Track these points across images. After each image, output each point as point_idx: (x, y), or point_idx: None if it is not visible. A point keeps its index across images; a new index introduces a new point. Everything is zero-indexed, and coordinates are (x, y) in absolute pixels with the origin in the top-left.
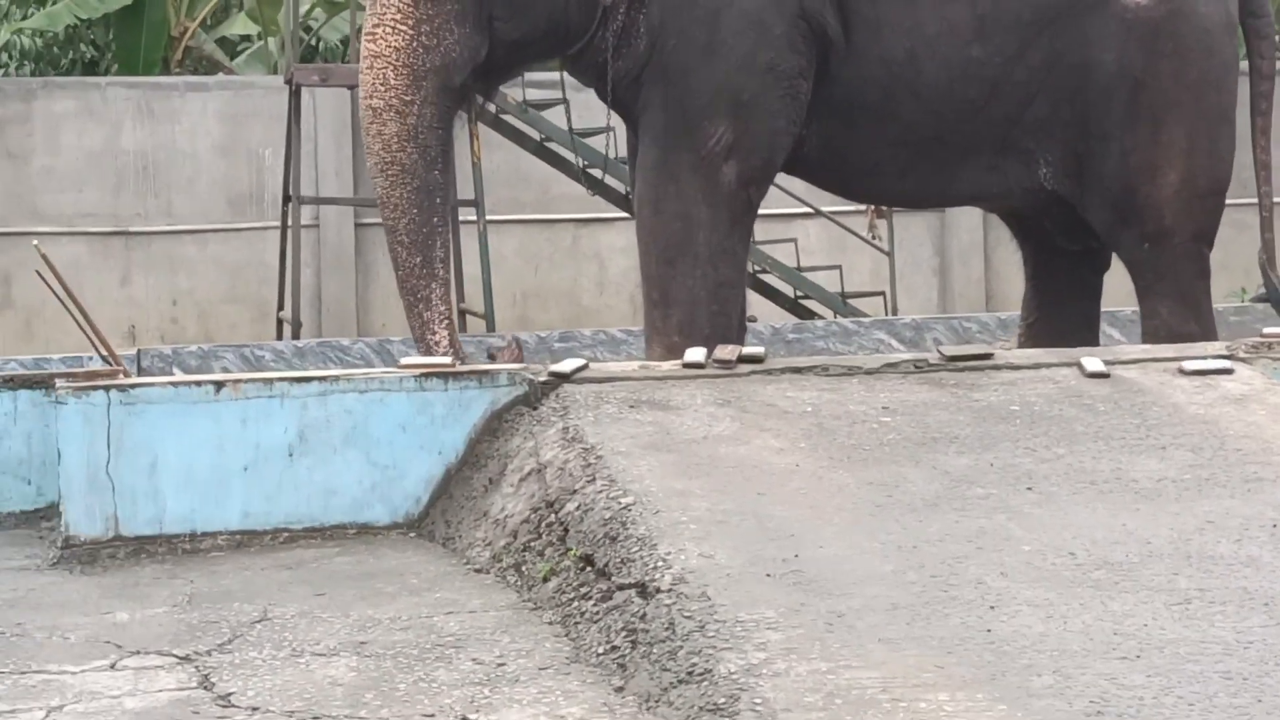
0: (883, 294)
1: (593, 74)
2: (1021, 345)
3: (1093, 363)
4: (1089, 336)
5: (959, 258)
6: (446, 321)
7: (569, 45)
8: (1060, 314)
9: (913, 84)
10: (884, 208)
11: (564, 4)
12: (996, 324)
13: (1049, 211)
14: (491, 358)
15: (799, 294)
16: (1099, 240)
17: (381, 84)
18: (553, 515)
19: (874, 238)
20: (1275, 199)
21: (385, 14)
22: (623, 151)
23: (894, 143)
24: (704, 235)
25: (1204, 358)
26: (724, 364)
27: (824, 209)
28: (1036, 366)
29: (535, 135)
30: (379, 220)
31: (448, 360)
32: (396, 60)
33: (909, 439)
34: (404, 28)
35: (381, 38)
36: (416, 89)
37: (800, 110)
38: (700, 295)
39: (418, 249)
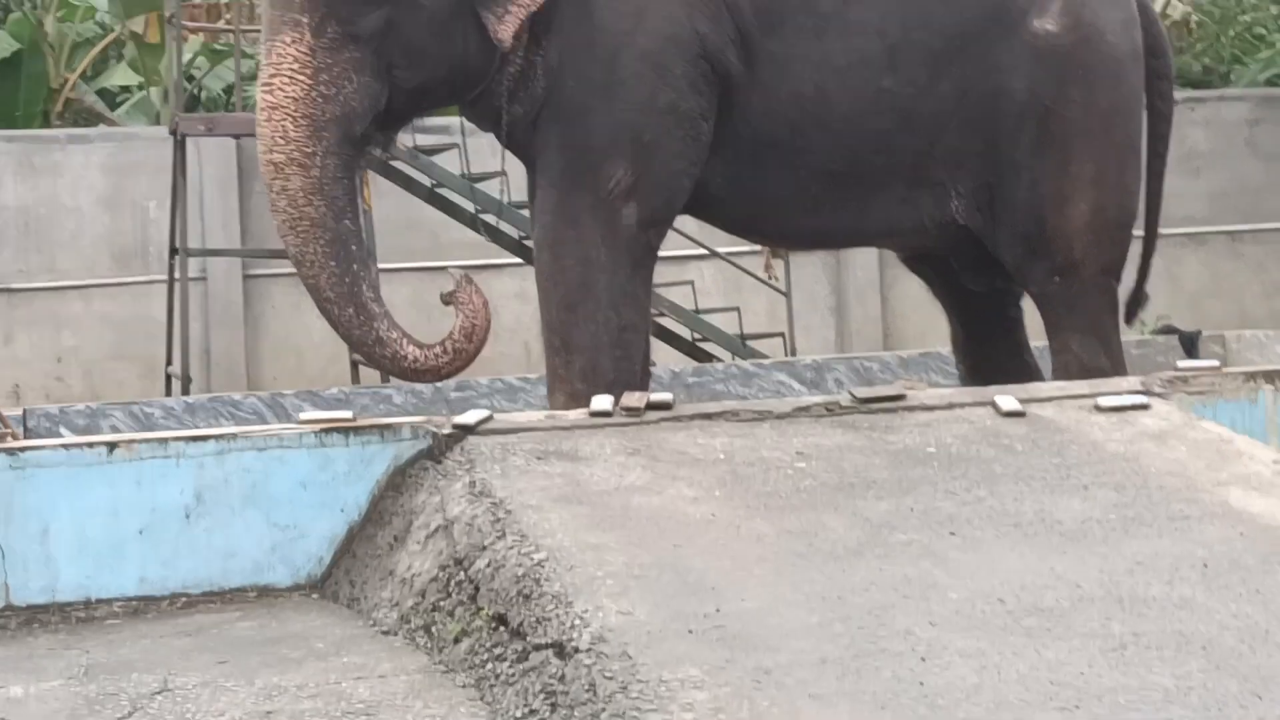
0: (781, 335)
1: (490, 117)
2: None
3: (1007, 401)
4: (1026, 364)
5: (855, 296)
6: (405, 338)
7: (468, 91)
8: (994, 351)
9: (822, 118)
10: (779, 248)
11: (463, 50)
12: (897, 362)
13: (958, 248)
14: (449, 304)
15: (697, 337)
16: (1005, 280)
17: (281, 137)
18: (462, 573)
19: (770, 278)
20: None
21: (282, 64)
22: (517, 196)
23: (804, 179)
24: (605, 279)
25: (1120, 393)
26: (632, 411)
27: (719, 250)
28: (950, 406)
29: (426, 181)
30: (268, 271)
31: (347, 415)
32: (295, 111)
33: (826, 485)
34: (301, 78)
35: (279, 88)
36: (318, 140)
37: (702, 151)
38: (603, 341)
39: (347, 301)
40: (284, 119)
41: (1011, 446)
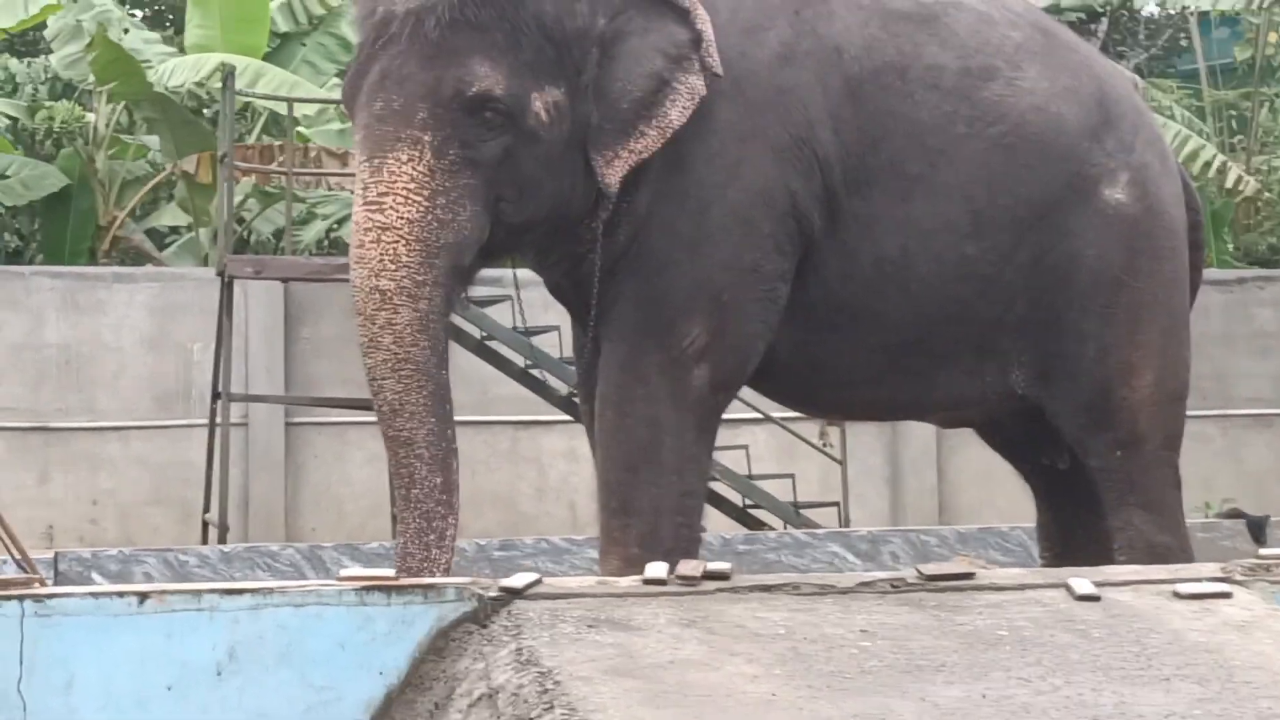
0: (836, 504)
1: (566, 265)
2: None
3: (1082, 584)
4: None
5: (911, 467)
6: (447, 571)
7: (561, 236)
8: (1083, 535)
9: (904, 282)
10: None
11: (569, 191)
12: (955, 537)
13: (1013, 422)
14: None
15: (749, 503)
16: (1060, 457)
17: (392, 261)
18: None
19: (826, 445)
20: None
21: (396, 183)
22: (567, 351)
23: (874, 348)
24: (671, 441)
25: (1199, 580)
26: (688, 580)
27: (774, 415)
28: (1022, 588)
29: (476, 333)
30: (310, 420)
31: (389, 572)
32: (409, 234)
33: (892, 666)
34: (418, 198)
35: (392, 208)
36: (429, 268)
37: (776, 315)
38: (664, 506)
39: (439, 468)
40: (396, 240)
41: (1087, 632)
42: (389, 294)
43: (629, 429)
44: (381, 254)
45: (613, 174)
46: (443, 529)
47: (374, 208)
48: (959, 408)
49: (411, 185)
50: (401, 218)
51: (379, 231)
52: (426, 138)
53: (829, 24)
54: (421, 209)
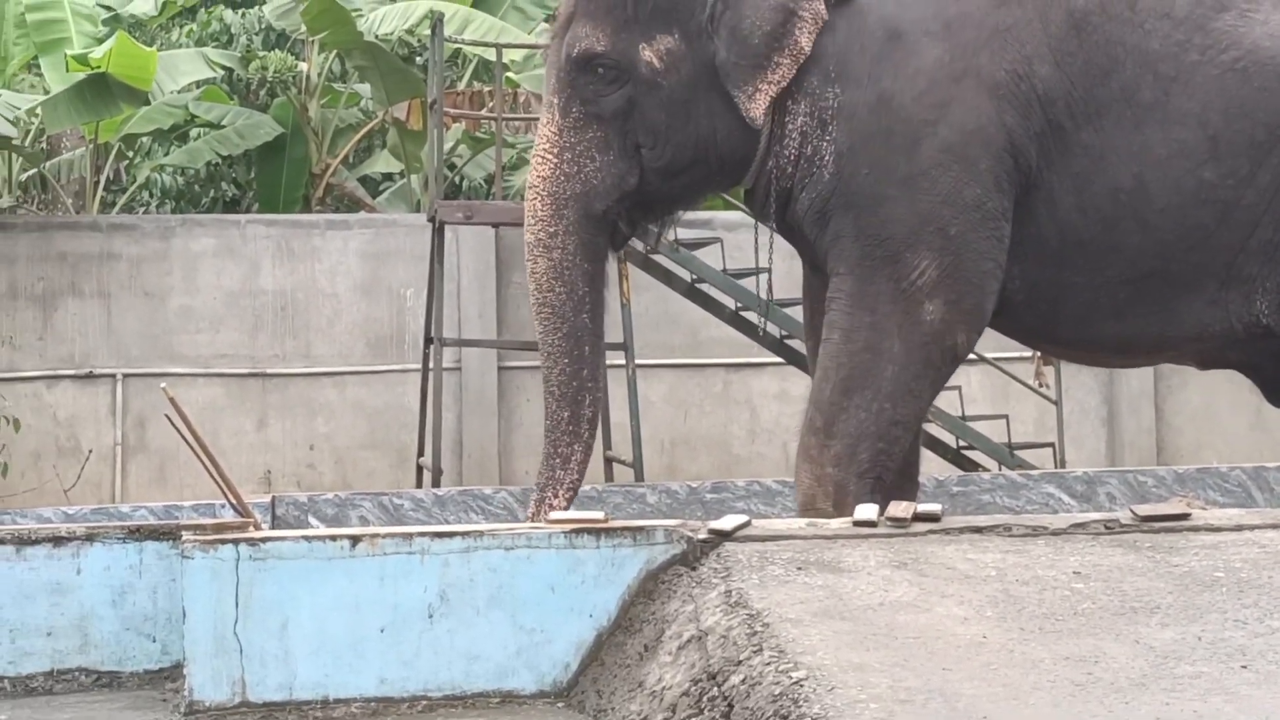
0: (1051, 445)
1: (770, 204)
2: None
3: None
4: None
5: (1128, 407)
6: (572, 493)
7: (730, 174)
8: None
9: (1140, 212)
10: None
11: (710, 129)
12: (1173, 478)
13: (1262, 360)
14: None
15: (963, 444)
16: None
17: (532, 216)
18: (715, 689)
19: (1041, 385)
20: None
21: (539, 145)
22: (780, 293)
23: (1113, 280)
24: (893, 371)
25: None
26: (898, 522)
27: (988, 355)
28: (1239, 528)
29: (686, 276)
30: (522, 364)
31: (599, 515)
32: (543, 190)
33: (1105, 608)
34: (550, 156)
35: (535, 169)
36: (559, 219)
37: (1004, 254)
38: (869, 430)
39: (567, 403)
40: (535, 198)
41: None
42: (531, 246)
43: (852, 354)
44: (529, 210)
45: (756, 107)
46: (568, 455)
47: (529, 170)
48: (1205, 340)
49: (545, 145)
50: (539, 176)
51: (529, 190)
52: (555, 100)
53: None
54: (551, 165)
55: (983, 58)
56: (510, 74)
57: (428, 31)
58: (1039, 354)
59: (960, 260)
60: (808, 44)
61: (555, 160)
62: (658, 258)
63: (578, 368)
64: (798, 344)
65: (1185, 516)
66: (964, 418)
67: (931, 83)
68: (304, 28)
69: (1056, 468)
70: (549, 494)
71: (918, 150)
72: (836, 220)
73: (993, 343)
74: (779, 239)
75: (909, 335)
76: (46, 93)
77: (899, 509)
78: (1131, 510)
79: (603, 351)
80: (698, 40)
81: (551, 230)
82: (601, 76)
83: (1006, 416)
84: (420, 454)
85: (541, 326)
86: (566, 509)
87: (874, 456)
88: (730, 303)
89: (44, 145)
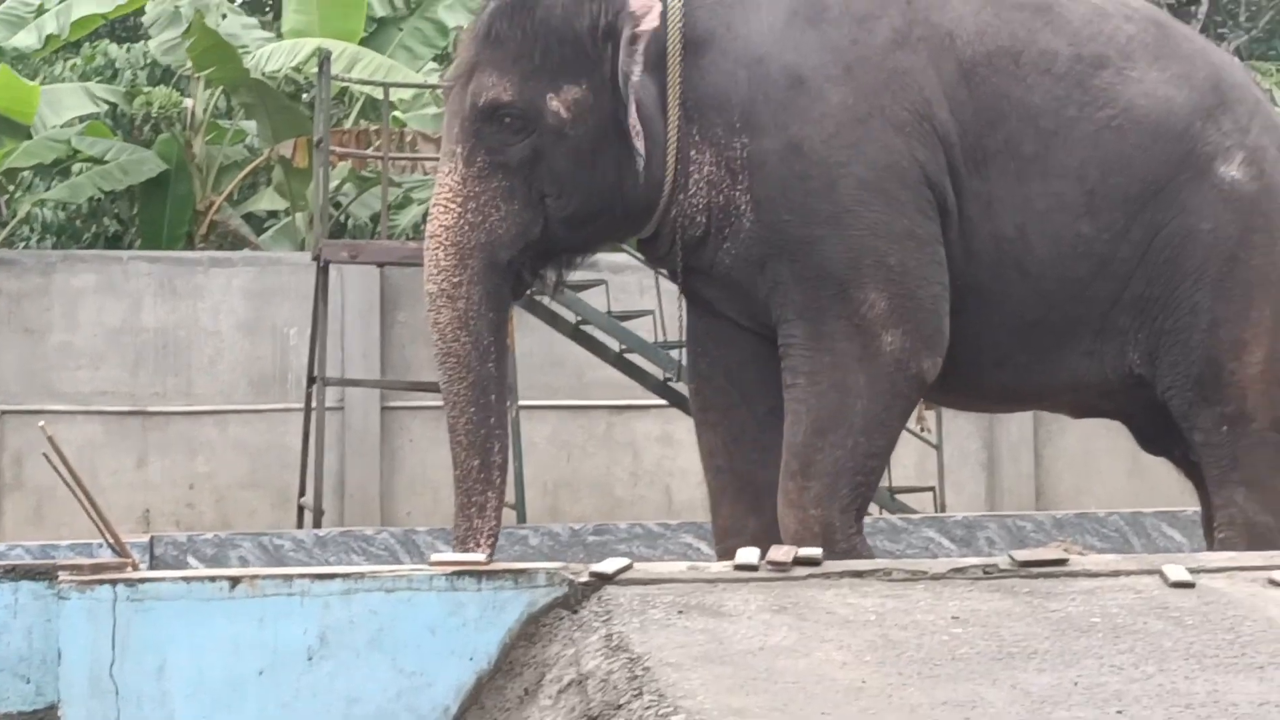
0: (932, 489)
1: (679, 252)
2: None
3: (1176, 571)
4: None
5: (1008, 452)
6: (493, 538)
7: (634, 223)
8: None
9: (1022, 261)
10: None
11: (616, 179)
12: (1051, 523)
13: (1135, 409)
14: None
15: None
16: (1184, 448)
17: (435, 266)
18: None
19: (922, 430)
20: None
21: (440, 194)
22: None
23: (997, 327)
24: (861, 405)
25: None
26: (779, 566)
27: None
28: (1116, 574)
29: (571, 318)
30: (406, 404)
31: (480, 557)
32: (446, 240)
33: (984, 653)
34: (453, 206)
35: (436, 218)
36: (463, 268)
37: (946, 276)
38: (846, 466)
39: (476, 451)
40: (437, 248)
41: (1181, 620)
42: (434, 296)
43: (819, 395)
44: (429, 261)
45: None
46: (483, 503)
47: (429, 220)
48: (1080, 390)
49: (448, 194)
50: (441, 225)
51: (428, 240)
52: (458, 149)
53: (941, 12)
54: (455, 215)
55: (885, 98)
56: (397, 113)
57: (315, 69)
58: (920, 399)
59: (907, 287)
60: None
61: (459, 209)
62: (543, 299)
63: (485, 415)
64: (682, 386)
65: (1063, 562)
66: None
67: (840, 125)
68: (190, 64)
69: (937, 512)
70: (470, 544)
71: (835, 191)
72: (772, 268)
73: None
74: (665, 281)
75: (872, 368)
76: None
77: (780, 553)
78: (1010, 555)
79: (506, 398)
80: (605, 91)
81: (456, 280)
82: (507, 126)
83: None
84: (301, 494)
85: (446, 376)
86: (490, 557)
87: (854, 490)
88: (614, 345)
89: None
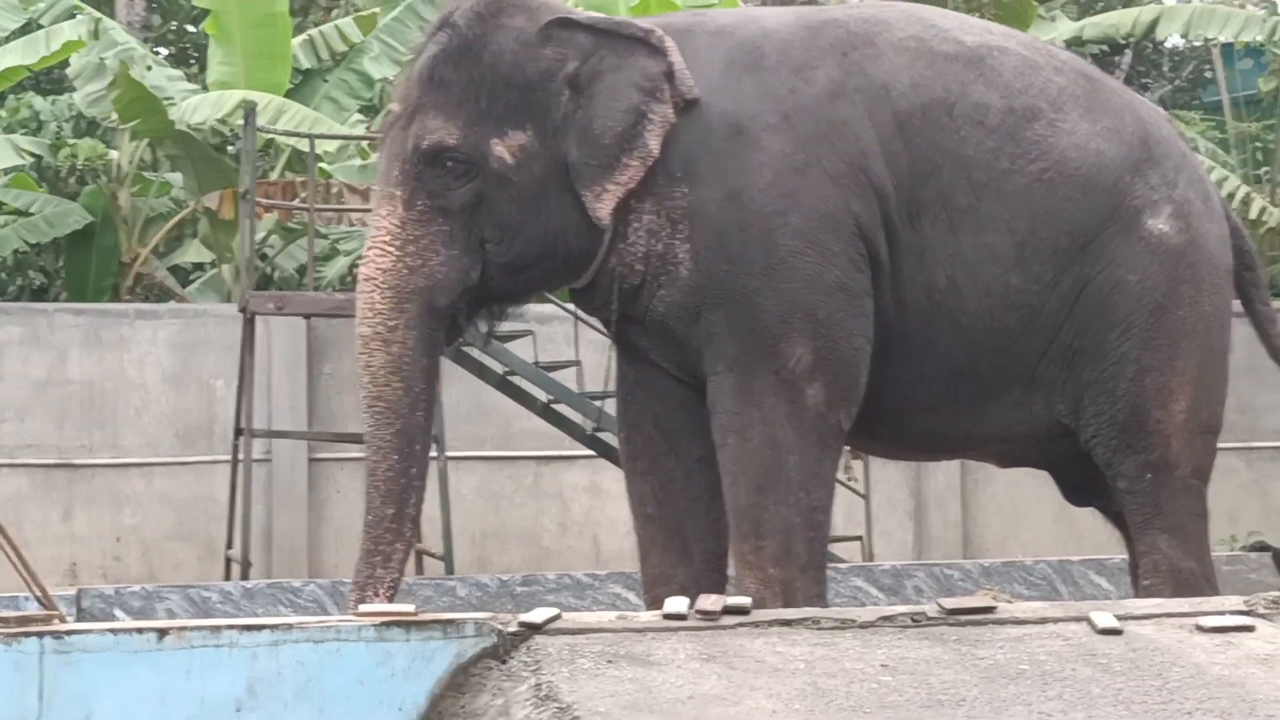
0: (859, 538)
1: (616, 301)
2: None
3: (1104, 618)
4: None
5: (935, 501)
6: (393, 590)
7: (573, 271)
8: None
9: (953, 312)
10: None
11: (559, 227)
12: (979, 571)
13: (1060, 460)
14: None
15: None
16: (1106, 499)
17: (369, 309)
18: None
19: (849, 479)
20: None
21: (376, 237)
22: (593, 385)
23: (927, 377)
24: (794, 460)
25: (1222, 613)
26: (707, 615)
27: None
28: (1043, 621)
29: (498, 369)
30: (333, 455)
31: (409, 608)
32: (383, 283)
33: (912, 701)
34: (391, 249)
35: (372, 260)
36: (400, 312)
37: (871, 329)
38: (795, 523)
39: (392, 500)
40: (373, 290)
41: (1109, 666)
42: (366, 339)
43: (752, 452)
44: (363, 303)
45: (603, 207)
46: (389, 553)
47: (362, 261)
48: (1008, 441)
49: (386, 237)
50: (377, 268)
51: (362, 282)
52: (398, 193)
53: (876, 64)
54: (393, 259)
55: (823, 148)
56: (323, 164)
57: (240, 121)
58: (848, 448)
59: (833, 341)
60: (656, 146)
61: (397, 252)
62: (470, 350)
63: (406, 465)
64: (609, 436)
65: (991, 610)
66: None
67: (777, 174)
68: (115, 115)
69: (865, 561)
70: (369, 592)
71: (772, 240)
72: (706, 317)
73: None
74: (589, 332)
75: (798, 422)
76: None
77: (708, 601)
78: (938, 603)
79: (429, 449)
80: (551, 138)
81: (392, 324)
82: (450, 170)
83: None
84: (229, 546)
85: (373, 421)
86: (387, 587)
87: (808, 547)
88: (542, 395)
89: None
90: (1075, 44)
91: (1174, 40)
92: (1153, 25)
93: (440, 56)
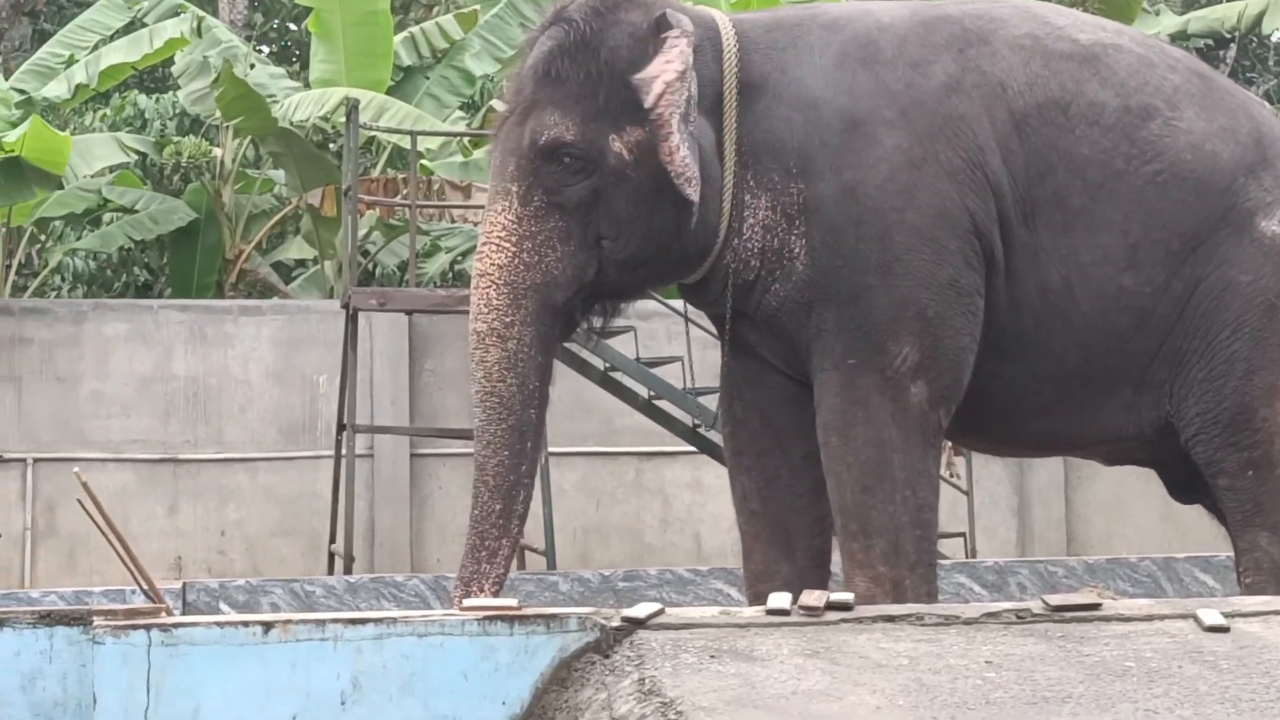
0: (962, 535)
1: (730, 296)
2: None
3: (1211, 615)
4: None
5: (1039, 497)
6: (498, 586)
7: (688, 267)
8: None
9: (1066, 312)
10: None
11: (675, 222)
12: (1083, 568)
13: (1169, 459)
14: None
15: None
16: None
17: (485, 304)
18: None
19: (952, 476)
20: None
21: (491, 232)
22: (696, 381)
23: (1041, 377)
24: (899, 459)
25: None
26: (811, 611)
27: None
28: (1149, 618)
29: (600, 365)
30: (435, 451)
31: (512, 602)
32: (499, 278)
33: (1017, 698)
34: (507, 245)
35: (487, 256)
36: (517, 308)
37: (979, 329)
38: (903, 521)
39: (500, 496)
40: (489, 286)
41: (1216, 664)
42: (482, 335)
43: (856, 451)
44: (478, 299)
45: (687, 187)
46: (495, 549)
47: (477, 257)
48: (1117, 441)
49: (502, 233)
50: (493, 264)
51: (478, 278)
52: (514, 188)
53: (992, 61)
54: (509, 254)
55: (940, 144)
56: (424, 161)
57: (342, 118)
58: (950, 444)
59: (939, 340)
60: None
61: (514, 248)
62: (571, 346)
63: (517, 462)
64: (710, 433)
65: (1096, 606)
66: None
67: (894, 169)
68: (218, 113)
69: (967, 558)
70: (474, 588)
71: (888, 236)
72: (818, 314)
73: None
74: (693, 328)
75: (903, 421)
76: None
77: (812, 597)
78: (1043, 600)
79: (540, 447)
80: None
81: (508, 320)
82: (567, 166)
83: None
84: (332, 541)
85: (485, 416)
86: (493, 582)
87: (917, 545)
88: (643, 391)
89: None
90: (1180, 38)
91: None
92: (1259, 18)
93: (557, 51)
